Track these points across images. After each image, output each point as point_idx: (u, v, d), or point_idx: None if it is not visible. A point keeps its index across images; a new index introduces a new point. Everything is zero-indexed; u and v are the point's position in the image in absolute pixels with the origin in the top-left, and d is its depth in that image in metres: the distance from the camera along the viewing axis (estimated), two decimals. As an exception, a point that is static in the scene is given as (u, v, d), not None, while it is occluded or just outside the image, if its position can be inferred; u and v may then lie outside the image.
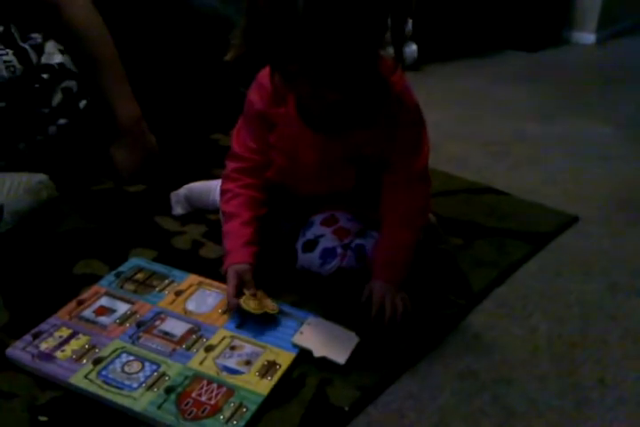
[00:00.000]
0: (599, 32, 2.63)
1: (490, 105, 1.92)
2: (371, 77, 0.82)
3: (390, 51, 0.80)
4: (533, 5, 2.46)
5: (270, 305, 0.90)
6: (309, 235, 1.00)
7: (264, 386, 0.78)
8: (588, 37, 2.64)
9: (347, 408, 0.77)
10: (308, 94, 0.80)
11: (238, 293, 0.89)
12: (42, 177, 1.14)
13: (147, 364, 0.80)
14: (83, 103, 1.29)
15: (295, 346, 0.85)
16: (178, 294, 0.95)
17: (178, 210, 1.20)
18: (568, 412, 0.80)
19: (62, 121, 1.26)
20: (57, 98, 1.25)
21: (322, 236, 0.98)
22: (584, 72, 2.30)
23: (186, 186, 1.21)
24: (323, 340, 0.86)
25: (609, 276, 1.08)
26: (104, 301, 0.92)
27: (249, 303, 0.87)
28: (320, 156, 0.92)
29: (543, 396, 0.82)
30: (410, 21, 2.17)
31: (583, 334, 0.94)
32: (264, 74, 0.90)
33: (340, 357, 0.83)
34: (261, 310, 0.88)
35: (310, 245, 0.98)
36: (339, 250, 0.97)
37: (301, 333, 0.86)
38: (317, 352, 0.83)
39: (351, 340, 0.86)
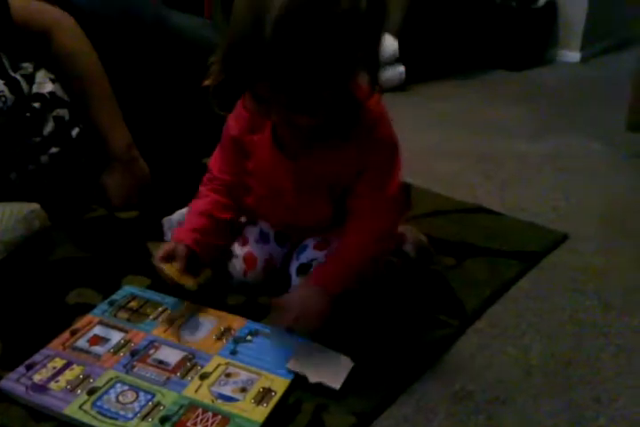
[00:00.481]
0: (584, 50, 2.67)
1: (478, 124, 1.94)
2: (342, 102, 0.82)
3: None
4: (518, 25, 2.50)
5: (190, 281, 0.93)
6: (303, 258, 1.01)
7: (259, 413, 0.78)
8: (572, 56, 2.68)
9: (342, 434, 0.77)
10: (280, 119, 0.81)
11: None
12: (34, 206, 1.14)
13: (141, 393, 0.80)
14: (75, 131, 1.30)
15: (290, 372, 0.85)
16: (171, 321, 0.95)
17: (170, 236, 1.21)
18: (564, 431, 0.80)
19: (54, 150, 1.26)
20: (48, 127, 1.25)
21: (315, 259, 0.99)
22: (570, 90, 2.33)
23: (179, 211, 1.21)
24: (317, 365, 0.86)
25: (601, 293, 1.08)
26: (98, 330, 0.92)
27: (171, 269, 0.92)
28: (295, 183, 0.94)
29: (538, 415, 0.82)
30: (396, 43, 2.20)
31: (576, 352, 0.94)
32: (243, 103, 0.91)
33: (336, 382, 0.83)
34: (177, 280, 0.91)
35: (304, 269, 0.99)
36: None
37: (296, 358, 0.86)
38: (312, 378, 0.83)
39: (346, 365, 0.86)
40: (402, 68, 2.23)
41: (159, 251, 0.94)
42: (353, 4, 0.72)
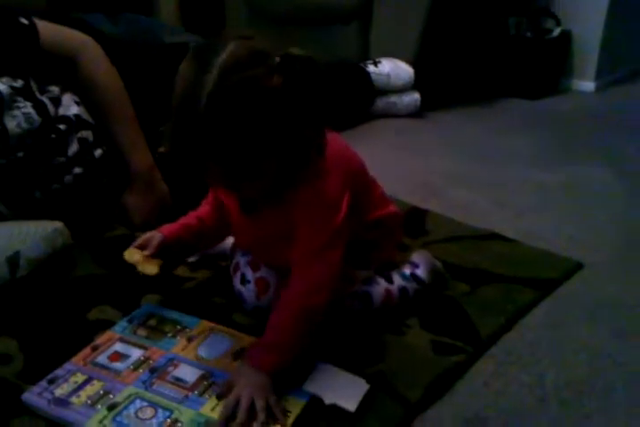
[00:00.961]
0: (598, 80, 2.70)
1: (492, 152, 1.96)
2: (284, 170, 0.83)
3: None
4: (532, 54, 2.54)
5: (148, 269, 0.99)
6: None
7: (276, 433, 0.79)
8: (587, 85, 2.71)
9: (358, 456, 0.78)
10: (223, 188, 0.89)
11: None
12: (57, 225, 1.17)
13: (159, 410, 0.82)
14: (98, 152, 1.34)
15: (306, 393, 0.86)
16: (190, 340, 0.96)
17: (190, 257, 1.23)
18: (578, 460, 0.80)
19: (78, 170, 1.30)
20: (73, 148, 1.29)
21: None
22: (584, 119, 2.35)
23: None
24: (333, 387, 0.87)
25: (615, 322, 1.09)
26: (118, 346, 0.94)
27: (132, 255, 1.00)
28: (252, 234, 0.99)
29: (553, 444, 0.82)
30: (412, 71, 2.24)
31: (591, 381, 0.94)
32: None
33: (351, 404, 0.84)
34: (134, 264, 0.98)
35: None
36: (347, 300, 1.00)
37: (312, 379, 0.88)
38: (328, 399, 0.84)
39: (361, 387, 0.87)
40: (417, 95, 2.26)
41: (135, 241, 1.03)
42: (282, 81, 0.75)
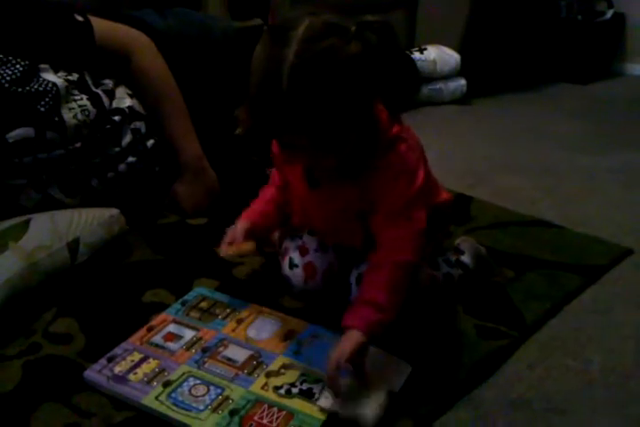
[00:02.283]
0: (652, 64, 2.63)
1: (541, 137, 1.94)
2: (364, 138, 0.86)
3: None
4: (584, 37, 2.48)
5: (245, 248, 1.03)
6: (363, 267, 1.04)
7: (322, 411, 0.82)
8: (640, 69, 2.64)
9: (402, 435, 0.80)
10: (305, 161, 0.89)
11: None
12: (114, 211, 1.22)
13: (212, 387, 0.85)
14: (150, 142, 1.38)
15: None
16: (239, 321, 1.00)
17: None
18: (622, 444, 0.81)
19: (131, 159, 1.35)
20: (127, 138, 1.34)
21: None
22: (636, 104, 2.29)
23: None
24: (377, 368, 0.88)
25: (664, 309, 1.08)
26: (172, 328, 0.98)
27: (225, 250, 1.03)
28: (322, 211, 0.99)
29: (597, 427, 0.83)
30: (458, 56, 2.22)
31: (637, 366, 0.94)
32: None
33: (395, 385, 0.86)
34: (238, 250, 1.02)
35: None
36: None
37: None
38: (373, 380, 0.87)
39: (405, 369, 0.89)
40: (463, 81, 2.25)
41: (224, 239, 1.05)
42: (361, 48, 0.77)
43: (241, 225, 1.05)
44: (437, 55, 2.20)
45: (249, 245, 1.04)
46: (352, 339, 0.83)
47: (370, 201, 0.91)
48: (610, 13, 2.50)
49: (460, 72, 2.25)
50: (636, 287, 1.14)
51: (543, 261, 1.21)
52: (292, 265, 1.07)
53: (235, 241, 1.03)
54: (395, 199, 0.89)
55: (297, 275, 1.06)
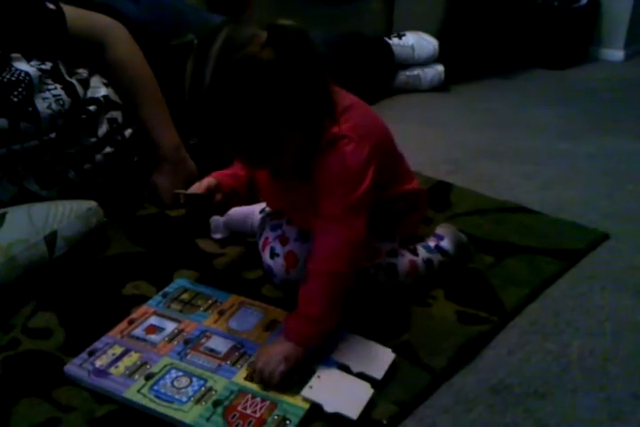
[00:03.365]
0: (627, 48, 2.64)
1: (518, 124, 1.95)
2: (297, 143, 0.87)
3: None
4: (559, 24, 2.49)
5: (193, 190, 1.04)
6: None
7: (305, 400, 0.82)
8: (616, 54, 2.65)
9: (385, 422, 0.81)
10: (252, 168, 0.95)
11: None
12: (91, 204, 1.20)
13: (194, 379, 0.85)
14: (128, 132, 1.37)
15: (334, 362, 0.88)
16: (221, 313, 1.00)
17: (217, 235, 1.26)
18: (601, 425, 0.82)
19: (108, 149, 1.33)
20: (103, 128, 1.32)
21: None
22: (613, 89, 2.31)
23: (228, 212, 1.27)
24: (360, 356, 0.89)
25: (640, 292, 1.09)
26: (153, 320, 0.98)
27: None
28: (282, 198, 1.03)
29: (576, 410, 0.84)
30: (436, 42, 2.22)
31: (615, 349, 0.96)
32: None
33: (378, 372, 0.87)
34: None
35: None
36: (371, 270, 1.02)
37: (339, 349, 0.90)
38: (356, 368, 0.87)
39: (387, 356, 0.90)
40: (441, 68, 2.24)
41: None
42: (274, 54, 0.78)
43: (207, 179, 1.06)
44: (416, 41, 2.19)
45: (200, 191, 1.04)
46: (284, 347, 0.86)
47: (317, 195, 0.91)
48: (585, -1, 2.51)
49: (439, 59, 2.25)
50: (613, 271, 1.15)
51: (522, 246, 1.22)
52: (274, 254, 1.07)
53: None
54: (333, 204, 0.88)
55: (278, 264, 1.06)
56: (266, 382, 0.84)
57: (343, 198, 0.88)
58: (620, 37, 2.63)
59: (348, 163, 0.88)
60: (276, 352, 0.85)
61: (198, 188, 1.04)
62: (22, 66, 1.18)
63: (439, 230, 1.16)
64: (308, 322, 0.87)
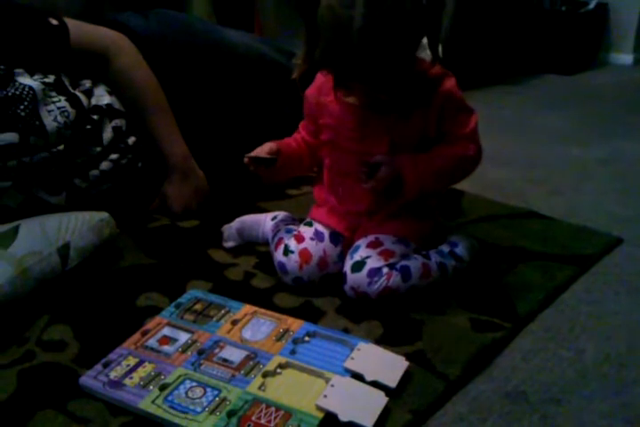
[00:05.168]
0: (637, 52, 2.64)
1: (528, 130, 1.94)
2: (411, 78, 0.99)
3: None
4: (568, 29, 2.49)
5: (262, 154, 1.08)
6: (356, 257, 1.05)
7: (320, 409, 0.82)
8: (625, 58, 2.65)
9: (399, 430, 0.80)
10: (362, 98, 0.99)
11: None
12: (103, 215, 1.21)
13: (208, 389, 0.85)
14: (132, 140, 1.38)
15: (347, 371, 0.88)
16: (234, 323, 1.00)
17: (229, 243, 1.27)
18: (619, 431, 0.81)
19: (113, 156, 1.34)
20: (107, 136, 1.33)
21: (368, 257, 1.04)
22: (623, 93, 2.30)
23: (238, 219, 1.27)
24: (374, 364, 0.89)
25: (656, 297, 1.08)
26: (166, 331, 0.98)
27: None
28: (358, 122, 1.05)
29: (592, 415, 0.83)
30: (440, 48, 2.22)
31: (631, 355, 0.95)
32: (320, 75, 1.09)
33: (392, 381, 0.86)
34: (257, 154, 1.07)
35: (358, 266, 1.03)
36: (385, 270, 1.02)
37: (353, 358, 0.90)
38: (369, 377, 0.87)
39: (401, 364, 0.90)
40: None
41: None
42: (416, 3, 0.89)
43: (268, 143, 1.11)
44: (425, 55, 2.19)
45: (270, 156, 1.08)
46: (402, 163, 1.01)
47: (419, 129, 1.03)
48: (593, 4, 2.51)
49: (447, 64, 2.24)
50: (627, 276, 1.15)
51: (535, 252, 1.21)
52: (288, 251, 1.09)
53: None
54: (463, 123, 1.04)
55: (292, 260, 1.08)
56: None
57: (470, 118, 1.06)
58: (629, 41, 2.62)
59: (460, 93, 1.05)
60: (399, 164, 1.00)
61: (260, 151, 1.08)
62: (26, 80, 1.20)
63: (453, 237, 1.16)
64: (427, 165, 1.02)
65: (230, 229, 1.27)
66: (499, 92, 2.35)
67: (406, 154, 1.03)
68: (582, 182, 1.56)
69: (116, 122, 1.35)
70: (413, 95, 1.01)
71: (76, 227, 1.15)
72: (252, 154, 1.08)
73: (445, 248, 1.13)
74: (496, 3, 2.39)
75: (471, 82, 2.32)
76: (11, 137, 1.16)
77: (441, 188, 1.16)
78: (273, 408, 0.82)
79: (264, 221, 1.25)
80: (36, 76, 1.22)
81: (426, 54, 0.99)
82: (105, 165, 1.32)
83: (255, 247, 1.25)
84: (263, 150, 1.08)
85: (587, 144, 1.80)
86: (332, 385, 0.85)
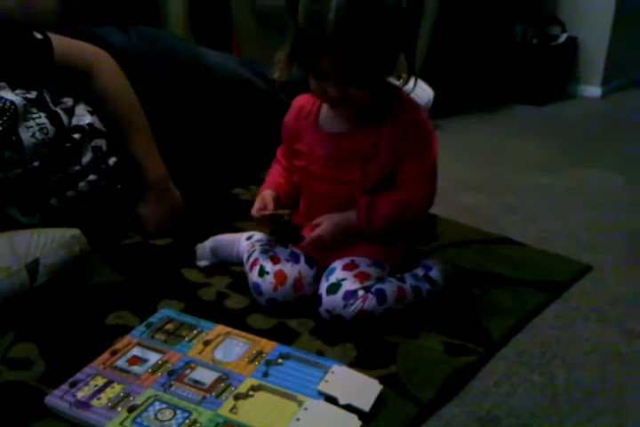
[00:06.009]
0: (604, 85, 2.71)
1: (501, 157, 1.98)
2: (385, 85, 1.01)
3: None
4: (539, 61, 2.56)
5: (282, 211, 1.12)
6: (332, 279, 1.05)
7: (292, 433, 0.81)
8: (593, 91, 2.72)
9: (372, 455, 0.79)
10: (336, 92, 0.95)
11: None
12: (74, 232, 1.19)
13: (178, 411, 0.84)
14: (112, 160, 1.37)
15: (320, 394, 0.87)
16: (206, 343, 0.98)
17: (203, 262, 1.25)
18: (589, 458, 0.81)
19: (92, 177, 1.32)
20: (87, 156, 1.32)
21: (344, 279, 1.04)
22: (592, 124, 2.36)
23: (212, 238, 1.26)
24: (347, 387, 0.88)
25: (625, 323, 1.10)
26: (136, 351, 0.96)
27: (266, 212, 1.10)
28: (330, 150, 1.06)
29: (564, 442, 0.84)
30: (432, 93, 2.23)
31: (601, 381, 0.96)
32: (296, 100, 1.12)
33: (365, 404, 0.86)
34: (276, 212, 1.10)
35: (333, 288, 1.03)
36: (360, 292, 1.02)
37: (326, 381, 0.89)
38: (343, 400, 0.86)
39: (374, 388, 0.89)
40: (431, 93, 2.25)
41: (255, 205, 1.12)
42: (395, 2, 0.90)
43: (267, 192, 1.13)
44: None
45: (283, 211, 1.12)
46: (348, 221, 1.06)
47: (385, 148, 1.02)
48: (563, 37, 2.58)
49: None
50: (597, 303, 1.16)
51: (507, 277, 1.22)
52: (264, 273, 1.09)
53: (266, 207, 1.10)
54: (422, 160, 1.04)
55: (267, 281, 1.08)
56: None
57: (429, 155, 1.05)
58: (598, 75, 2.70)
59: (429, 124, 1.04)
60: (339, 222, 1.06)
61: (265, 204, 1.11)
62: (7, 95, 1.19)
63: (427, 261, 1.17)
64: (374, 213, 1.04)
65: (204, 247, 1.26)
66: (471, 119, 2.40)
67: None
68: (552, 209, 1.59)
69: (97, 142, 1.33)
70: (381, 104, 1.01)
71: (46, 243, 1.13)
72: (265, 213, 1.10)
73: (420, 272, 1.13)
74: (470, 34, 2.45)
75: (444, 109, 2.36)
76: None
77: (392, 229, 1.11)
78: (245, 431, 0.81)
79: (239, 241, 1.24)
80: (17, 91, 1.21)
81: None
82: (83, 185, 1.30)
83: (229, 267, 1.24)
84: (269, 201, 1.11)
85: (556, 172, 1.84)
86: (306, 408, 0.84)
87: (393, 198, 1.05)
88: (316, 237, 1.06)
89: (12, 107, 1.17)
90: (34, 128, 1.21)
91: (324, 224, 1.07)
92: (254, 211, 1.11)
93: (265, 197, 1.12)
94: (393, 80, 1.03)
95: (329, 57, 0.91)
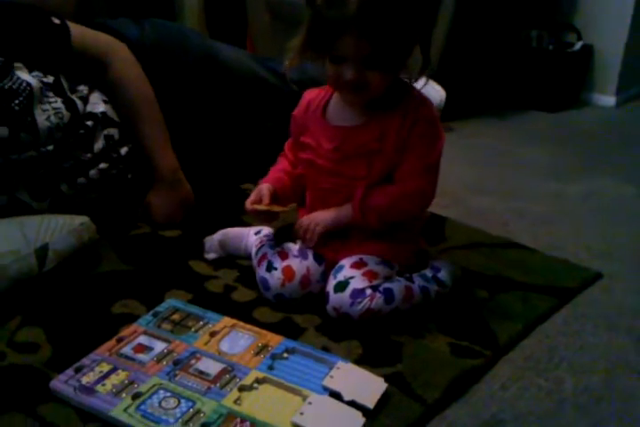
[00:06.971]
0: (619, 95, 2.70)
1: (512, 163, 1.97)
2: (399, 72, 1.00)
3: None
4: (554, 67, 2.55)
5: (279, 207, 1.08)
6: (340, 277, 1.04)
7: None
8: (607, 100, 2.71)
9: (376, 452, 0.79)
10: (353, 75, 0.94)
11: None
12: (84, 219, 1.19)
13: (183, 400, 0.83)
14: (124, 150, 1.37)
15: (325, 389, 0.87)
16: (212, 334, 0.98)
17: (210, 254, 1.25)
18: (595, 464, 0.81)
19: (103, 165, 1.32)
20: (99, 144, 1.32)
21: (352, 277, 1.03)
22: (605, 133, 2.35)
23: (221, 231, 1.26)
24: (352, 384, 0.88)
25: (633, 331, 1.09)
26: (142, 339, 0.96)
27: (260, 205, 1.07)
28: (336, 143, 1.05)
29: (570, 447, 0.83)
30: (444, 94, 2.23)
31: (609, 388, 0.95)
32: (306, 93, 1.12)
33: (370, 401, 0.85)
34: (270, 209, 1.07)
35: (341, 286, 1.02)
36: (368, 291, 1.02)
37: (331, 376, 0.89)
38: (347, 396, 0.86)
39: (380, 385, 0.89)
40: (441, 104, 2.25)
41: (249, 197, 1.10)
42: None
43: (264, 186, 1.11)
44: (424, 89, 2.19)
45: (280, 207, 1.09)
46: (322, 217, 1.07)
47: (392, 143, 1.01)
48: (579, 45, 2.57)
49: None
50: (606, 311, 1.15)
51: (516, 282, 1.22)
52: (271, 268, 1.08)
53: (262, 201, 1.08)
54: (424, 155, 1.03)
55: (275, 277, 1.07)
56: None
57: (432, 151, 1.04)
58: (612, 83, 2.68)
59: (437, 120, 1.04)
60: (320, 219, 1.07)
61: (260, 197, 1.09)
62: (24, 75, 1.19)
63: (436, 262, 1.16)
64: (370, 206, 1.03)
65: (212, 240, 1.26)
66: (483, 123, 2.39)
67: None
68: (562, 216, 1.58)
69: (110, 131, 1.33)
70: (393, 95, 1.01)
71: (56, 229, 1.13)
72: (258, 207, 1.08)
73: (428, 273, 1.13)
74: (484, 37, 2.45)
75: (457, 112, 2.36)
76: (1, 131, 1.14)
77: (388, 221, 1.08)
78: (248, 423, 0.80)
79: (247, 235, 1.24)
80: (34, 73, 1.21)
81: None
82: (93, 173, 1.30)
83: (237, 261, 1.24)
84: (265, 195, 1.09)
85: (567, 179, 1.83)
86: (310, 403, 0.84)
87: (388, 190, 1.04)
88: (304, 224, 1.07)
89: (28, 88, 1.17)
90: (49, 111, 1.21)
91: (313, 214, 1.08)
92: (248, 203, 1.09)
93: (261, 191, 1.10)
94: (405, 78, 1.02)
95: (350, 35, 0.90)
